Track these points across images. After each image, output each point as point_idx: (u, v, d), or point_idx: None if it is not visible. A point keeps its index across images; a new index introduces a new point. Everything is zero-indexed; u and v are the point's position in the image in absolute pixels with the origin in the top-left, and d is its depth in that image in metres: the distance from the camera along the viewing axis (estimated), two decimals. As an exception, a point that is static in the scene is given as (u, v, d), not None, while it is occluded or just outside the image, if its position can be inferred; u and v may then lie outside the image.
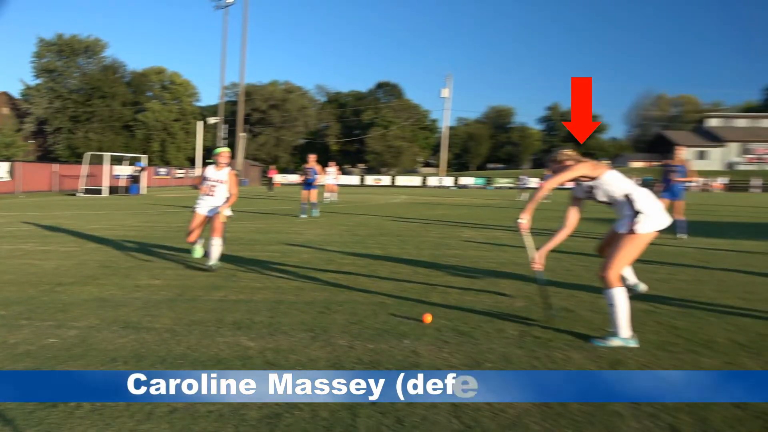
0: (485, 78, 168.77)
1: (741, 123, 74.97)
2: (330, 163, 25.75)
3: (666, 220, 4.05)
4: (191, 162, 68.44)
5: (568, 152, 4.35)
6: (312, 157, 15.84)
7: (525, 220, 4.45)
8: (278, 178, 55.61)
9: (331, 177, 24.57)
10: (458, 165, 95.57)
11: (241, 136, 58.29)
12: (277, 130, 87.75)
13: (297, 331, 4.41)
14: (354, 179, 67.50)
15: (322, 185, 17.11)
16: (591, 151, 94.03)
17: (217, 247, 6.88)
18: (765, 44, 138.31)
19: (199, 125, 54.72)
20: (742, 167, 63.35)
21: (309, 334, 4.32)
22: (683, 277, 6.83)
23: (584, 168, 4.16)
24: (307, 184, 15.58)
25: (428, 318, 4.67)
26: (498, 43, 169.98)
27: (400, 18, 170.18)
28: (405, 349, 3.99)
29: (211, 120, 61.26)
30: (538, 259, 4.52)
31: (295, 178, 58.33)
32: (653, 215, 3.99)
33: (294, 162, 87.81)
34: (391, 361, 3.76)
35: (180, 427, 2.84)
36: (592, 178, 4.16)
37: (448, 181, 62.47)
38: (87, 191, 27.71)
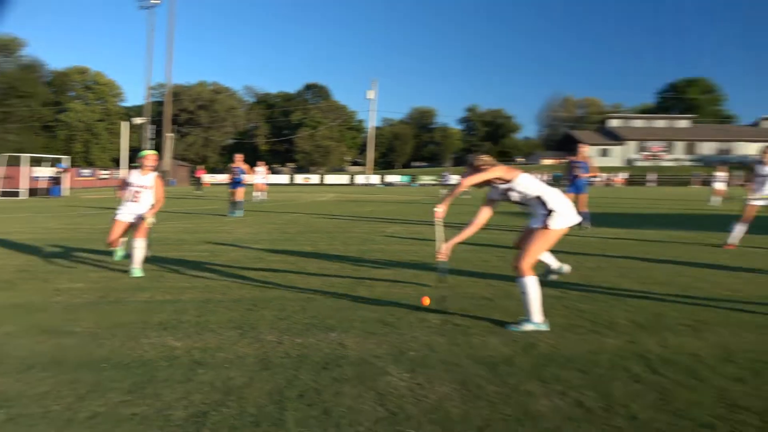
0: (409, 80, 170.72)
1: (638, 123, 79.66)
2: (259, 163, 25.31)
3: (575, 217, 4.24)
4: (116, 163, 65.31)
5: (485, 158, 4.47)
6: (238, 157, 15.56)
7: (441, 210, 4.56)
8: (207, 178, 54.00)
9: (260, 176, 24.16)
10: (384, 163, 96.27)
11: (169, 137, 56.20)
12: (205, 130, 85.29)
13: (225, 329, 4.28)
14: (283, 178, 66.53)
15: (250, 185, 16.70)
16: (506, 149, 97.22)
17: (140, 250, 6.38)
18: (658, 52, 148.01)
19: (124, 126, 52.16)
20: (639, 163, 67.26)
21: (237, 332, 4.20)
22: (588, 264, 7.16)
23: (499, 171, 4.27)
24: (234, 183, 15.26)
25: (426, 301, 4.72)
26: (420, 47, 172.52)
27: (327, 21, 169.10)
28: (332, 342, 3.96)
29: (137, 120, 58.63)
30: (444, 251, 4.60)
31: (224, 178, 56.70)
32: (564, 213, 4.17)
33: (223, 162, 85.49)
34: (319, 354, 3.72)
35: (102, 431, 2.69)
36: (507, 181, 4.28)
37: (375, 179, 62.73)
38: (4, 194, 25.86)
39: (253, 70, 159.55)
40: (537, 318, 4.20)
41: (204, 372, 3.39)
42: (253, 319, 4.54)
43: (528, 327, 4.19)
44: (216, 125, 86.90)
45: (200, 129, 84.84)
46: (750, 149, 72.49)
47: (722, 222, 13.38)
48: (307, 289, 5.69)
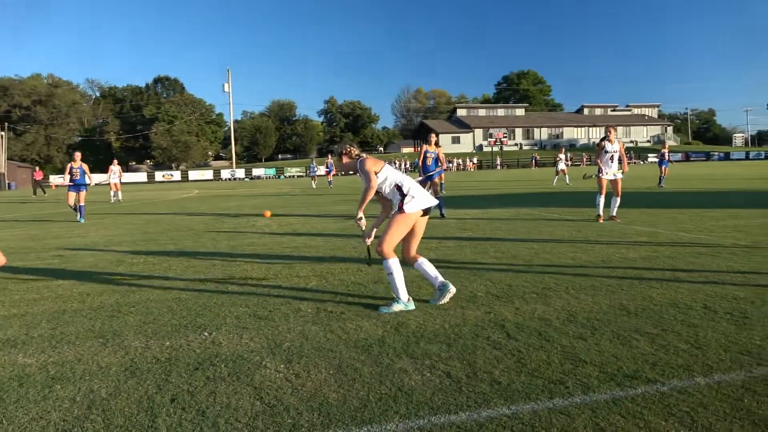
0: (266, 72, 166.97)
1: (482, 112, 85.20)
2: (114, 161, 23.67)
3: (430, 201, 4.38)
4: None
5: (353, 149, 4.49)
6: (77, 155, 13.70)
7: (361, 218, 4.53)
8: (57, 180, 48.86)
9: (114, 175, 22.63)
10: (249, 157, 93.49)
11: (1, 135, 49.86)
12: (46, 127, 76.61)
13: (84, 339, 3.90)
14: (141, 176, 62.17)
15: (87, 185, 15.00)
16: (366, 139, 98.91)
17: None
18: (496, 47, 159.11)
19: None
20: (486, 149, 71.97)
21: (98, 341, 3.85)
22: (449, 244, 7.54)
23: (373, 164, 4.31)
24: (75, 185, 13.39)
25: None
26: (275, 37, 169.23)
27: (176, 12, 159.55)
28: (204, 341, 3.77)
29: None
30: (370, 237, 4.57)
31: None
32: (418, 197, 4.30)
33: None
34: (190, 355, 3.52)
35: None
36: (376, 174, 4.31)
37: (241, 173, 60.83)
38: None
39: (95, 61, 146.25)
40: (404, 297, 4.33)
41: (62, 388, 3.07)
42: (116, 326, 4.18)
43: (397, 307, 4.30)
44: (58, 122, 78.44)
45: (39, 126, 76.03)
46: (576, 133, 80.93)
47: (564, 199, 14.78)
48: (173, 288, 5.36)
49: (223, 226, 10.94)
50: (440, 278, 4.44)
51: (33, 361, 3.49)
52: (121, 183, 23.77)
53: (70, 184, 13.43)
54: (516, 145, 76.83)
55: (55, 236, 10.19)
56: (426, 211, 4.37)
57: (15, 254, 7.96)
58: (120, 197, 22.49)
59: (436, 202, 4.52)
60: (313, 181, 30.03)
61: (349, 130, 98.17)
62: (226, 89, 63.49)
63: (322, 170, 40.21)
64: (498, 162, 63.05)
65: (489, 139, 66.74)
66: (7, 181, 48.05)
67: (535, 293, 4.73)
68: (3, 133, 50.69)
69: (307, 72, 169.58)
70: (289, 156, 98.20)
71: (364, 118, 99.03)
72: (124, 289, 5.44)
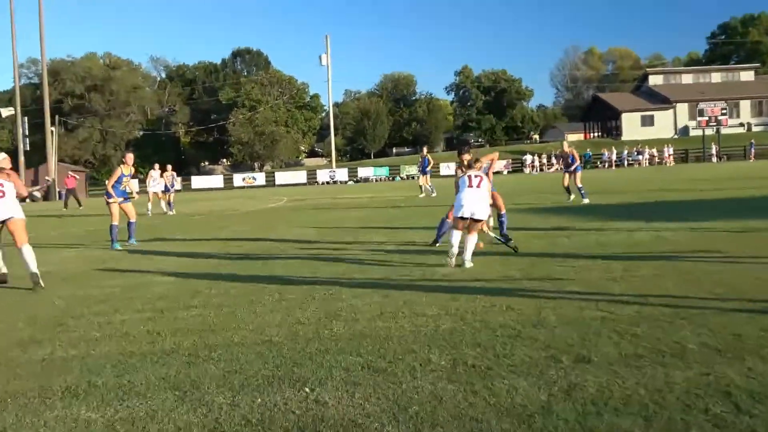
0: (375, 39, 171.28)
1: (687, 79, 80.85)
2: (155, 166, 26.33)
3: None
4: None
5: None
6: (129, 158, 13.90)
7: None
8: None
9: (156, 183, 25.26)
10: (354, 152, 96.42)
11: (51, 131, 55.54)
12: (102, 120, 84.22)
13: (157, 390, 4.27)
14: (216, 180, 66.27)
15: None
16: (515, 123, 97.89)
17: (30, 254, 8.07)
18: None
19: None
20: (695, 132, 68.33)
21: (174, 394, 4.19)
22: (642, 271, 7.30)
23: None
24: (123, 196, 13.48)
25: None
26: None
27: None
28: (305, 400, 3.97)
29: (5, 112, 57.74)
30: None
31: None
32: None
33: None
34: (289, 417, 3.73)
35: None
36: None
37: (343, 173, 62.89)
38: None
39: (159, 35, 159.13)
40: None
41: (134, 452, 3.38)
42: (194, 375, 4.52)
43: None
44: (116, 112, 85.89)
45: (95, 119, 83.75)
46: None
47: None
48: (264, 328, 5.68)
49: (323, 246, 11.38)
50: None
51: (97, 416, 3.88)
52: (175, 191, 25.99)
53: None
54: (742, 125, 72.07)
55: (115, 258, 11.19)
56: None
57: (69, 281, 8.87)
58: (164, 208, 24.66)
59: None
60: (426, 184, 27.18)
61: (490, 111, 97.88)
62: (324, 62, 65.99)
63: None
64: (714, 151, 59.61)
65: (699, 118, 63.37)
66: (58, 189, 53.35)
67: (777, 347, 4.45)
68: (54, 128, 56.46)
69: (428, 34, 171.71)
70: (406, 149, 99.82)
71: (511, 94, 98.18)
72: (201, 327, 5.85)
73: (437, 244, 10.33)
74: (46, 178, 42.42)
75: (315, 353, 4.90)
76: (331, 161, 69.90)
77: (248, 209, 25.03)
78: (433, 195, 25.75)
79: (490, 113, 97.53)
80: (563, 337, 4.94)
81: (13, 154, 50.20)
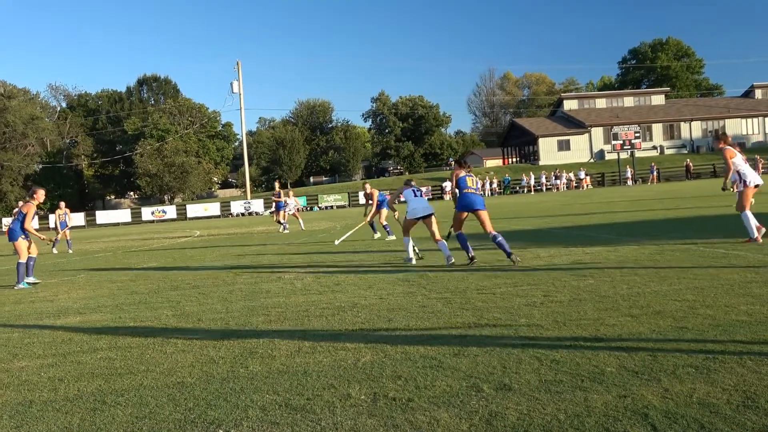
0: (289, 64, 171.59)
1: (601, 103, 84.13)
2: (60, 204, 25.95)
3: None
4: None
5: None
6: (40, 194, 13.50)
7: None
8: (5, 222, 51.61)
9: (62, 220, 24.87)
10: (269, 181, 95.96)
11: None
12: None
13: (59, 441, 4.12)
14: (123, 214, 64.84)
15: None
16: (434, 150, 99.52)
17: None
18: (619, 6, 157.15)
19: None
20: (610, 155, 70.89)
21: (78, 444, 4.05)
22: (560, 297, 7.51)
23: None
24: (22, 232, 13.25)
25: None
26: (297, 17, 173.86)
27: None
28: (220, 443, 3.91)
29: None
30: None
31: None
32: None
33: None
34: (203, 462, 3.66)
35: None
36: None
37: (258, 204, 62.40)
38: None
39: (57, 63, 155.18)
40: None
41: None
42: (100, 423, 4.39)
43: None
44: (12, 145, 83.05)
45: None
46: (745, 127, 78.65)
47: (733, 223, 14.44)
48: (174, 369, 5.57)
49: (238, 281, 11.26)
50: None
51: (-6, 473, 3.72)
52: (69, 229, 25.62)
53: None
54: (654, 148, 75.32)
55: (14, 301, 10.76)
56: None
57: (-37, 327, 8.47)
58: (69, 248, 24.41)
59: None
60: (282, 219, 26.92)
61: (408, 137, 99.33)
62: (236, 89, 65.67)
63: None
64: (629, 174, 62.10)
65: (614, 142, 65.84)
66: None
67: (693, 367, 4.65)
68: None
69: (346, 59, 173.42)
70: (324, 179, 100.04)
71: (429, 121, 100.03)
72: (107, 372, 5.69)
73: (474, 261, 11.02)
74: None
75: (230, 393, 4.83)
76: (245, 192, 69.30)
77: (157, 245, 24.50)
78: (285, 231, 25.57)
79: (408, 140, 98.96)
80: (485, 365, 5.04)
81: None
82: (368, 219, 18.20)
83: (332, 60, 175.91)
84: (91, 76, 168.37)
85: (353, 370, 5.18)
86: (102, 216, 62.83)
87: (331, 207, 61.43)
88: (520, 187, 63.55)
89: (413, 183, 12.86)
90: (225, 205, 62.96)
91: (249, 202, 62.74)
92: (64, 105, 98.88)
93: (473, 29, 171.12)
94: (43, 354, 6.58)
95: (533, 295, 7.79)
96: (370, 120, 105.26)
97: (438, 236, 11.65)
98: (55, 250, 24.21)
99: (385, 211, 18.85)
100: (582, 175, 62.99)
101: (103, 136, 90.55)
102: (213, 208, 62.59)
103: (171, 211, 62.55)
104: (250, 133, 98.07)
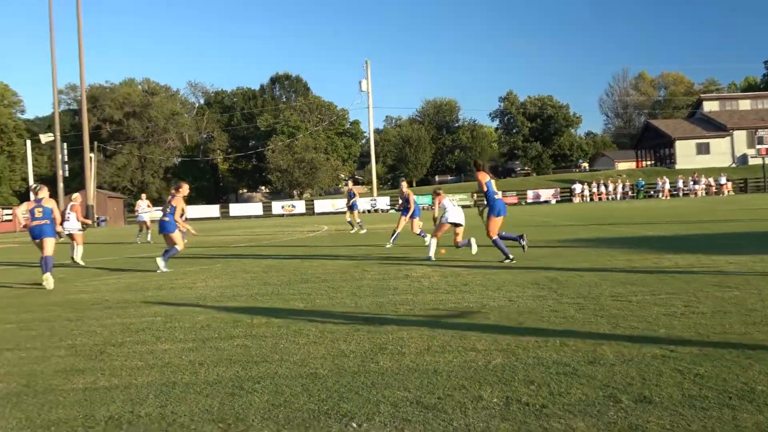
0: (415, 65, 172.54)
1: (745, 105, 79.63)
2: (142, 196, 28.69)
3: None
4: (23, 197, 65.82)
5: None
6: (185, 187, 14.67)
7: None
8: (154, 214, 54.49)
9: (147, 213, 26.87)
10: (395, 179, 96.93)
11: (90, 158, 56.86)
12: (140, 146, 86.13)
13: (202, 422, 4.31)
14: (255, 208, 67.18)
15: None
16: (563, 151, 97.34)
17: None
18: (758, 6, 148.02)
19: (28, 146, 52.79)
20: (755, 161, 67.05)
21: (218, 426, 4.22)
22: (702, 308, 7.18)
23: None
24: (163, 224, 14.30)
25: None
26: (424, 23, 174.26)
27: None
28: (353, 436, 3.97)
29: (45, 138, 59.16)
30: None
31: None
32: None
33: (168, 190, 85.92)
34: (337, 453, 3.73)
35: None
36: None
37: (384, 201, 63.03)
38: None
39: (197, 62, 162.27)
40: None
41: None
42: (238, 408, 4.56)
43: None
44: (154, 139, 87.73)
45: (133, 145, 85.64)
46: None
47: None
48: (308, 360, 5.71)
49: (366, 277, 11.41)
50: None
51: (142, 448, 3.93)
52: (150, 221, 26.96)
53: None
54: (803, 154, 70.70)
55: (156, 286, 11.38)
56: None
57: (111, 310, 9.03)
58: (149, 238, 26.04)
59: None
60: (355, 219, 26.65)
61: (536, 138, 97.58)
62: (364, 88, 66.72)
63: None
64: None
65: (758, 146, 62.26)
66: (96, 215, 54.45)
67: None
68: (92, 155, 57.80)
69: (474, 59, 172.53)
70: (449, 178, 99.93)
71: (558, 121, 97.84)
72: (244, 358, 5.91)
73: (512, 260, 12.29)
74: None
75: (361, 387, 4.90)
76: (372, 188, 70.24)
77: (287, 238, 25.23)
78: (363, 232, 25.39)
79: (536, 140, 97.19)
80: (622, 375, 4.87)
81: (52, 181, 51.33)
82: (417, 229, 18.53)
83: (460, 59, 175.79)
84: (227, 74, 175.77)
85: (484, 372, 5.14)
86: (235, 209, 65.33)
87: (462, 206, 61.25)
88: (654, 192, 61.15)
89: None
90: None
91: (375, 199, 63.53)
92: (202, 102, 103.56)
93: (605, 27, 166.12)
94: (184, 338, 6.92)
95: (673, 305, 7.48)
96: (498, 119, 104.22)
97: (459, 239, 13.98)
98: (138, 240, 25.82)
99: (418, 220, 19.03)
100: (723, 180, 59.97)
101: (237, 131, 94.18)
102: (340, 204, 63.73)
103: (300, 206, 64.24)
104: (377, 131, 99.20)
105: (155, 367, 5.76)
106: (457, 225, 13.84)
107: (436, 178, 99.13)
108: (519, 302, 8.16)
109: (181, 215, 13.98)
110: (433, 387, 4.83)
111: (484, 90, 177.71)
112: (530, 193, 64.24)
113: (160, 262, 13.66)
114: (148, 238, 26.06)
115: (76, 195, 18.59)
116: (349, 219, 27.07)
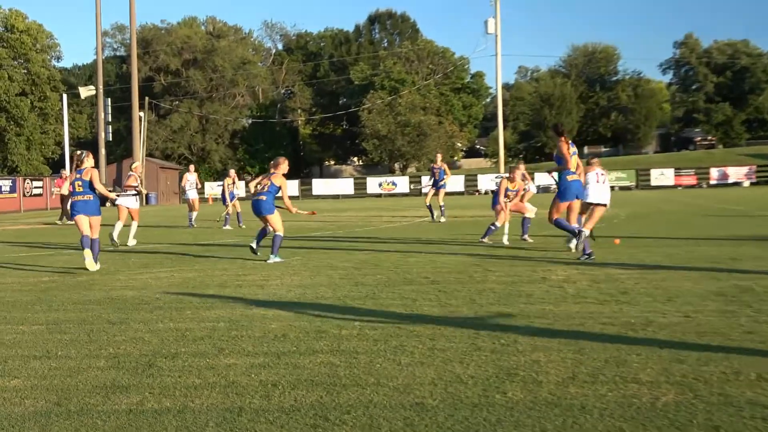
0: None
1: None
2: (190, 167, 30.69)
3: None
4: (56, 166, 67.88)
5: None
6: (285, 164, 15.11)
7: None
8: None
9: (192, 187, 28.82)
10: (529, 150, 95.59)
11: (140, 117, 58.51)
12: (202, 104, 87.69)
13: (273, 462, 4.35)
14: (345, 184, 67.54)
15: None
16: (759, 115, 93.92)
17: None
18: None
19: (65, 101, 54.54)
20: None
21: (296, 468, 4.26)
22: None
23: None
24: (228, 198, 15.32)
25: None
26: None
27: None
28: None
29: (84, 92, 60.55)
30: None
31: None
32: None
33: (237, 160, 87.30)
34: None
35: None
36: None
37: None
38: None
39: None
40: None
41: None
42: (321, 444, 4.57)
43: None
44: (219, 94, 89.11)
45: (193, 102, 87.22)
46: None
47: None
48: (412, 386, 5.68)
49: (489, 278, 11.32)
50: None
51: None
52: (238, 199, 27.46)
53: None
54: None
55: (219, 283, 11.62)
56: None
57: (162, 311, 9.26)
58: (193, 221, 27.28)
59: None
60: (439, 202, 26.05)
61: (724, 97, 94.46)
62: (491, 29, 66.03)
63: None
64: None
65: None
66: (145, 191, 56.12)
67: None
68: (142, 114, 59.45)
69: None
70: (603, 150, 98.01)
71: (756, 75, 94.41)
72: (329, 380, 5.93)
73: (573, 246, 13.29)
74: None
75: (483, 425, 4.83)
76: (497, 163, 69.63)
77: (386, 225, 25.34)
78: (443, 220, 25.44)
79: (724, 101, 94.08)
80: None
81: (92, 145, 52.84)
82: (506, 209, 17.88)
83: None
84: (313, 11, 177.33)
85: (650, 412, 4.99)
86: (319, 185, 65.91)
87: (613, 188, 60.09)
88: None
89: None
90: (470, 179, 63.70)
91: (500, 176, 63.03)
92: (280, 47, 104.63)
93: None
94: (254, 351, 6.99)
95: None
96: (671, 72, 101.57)
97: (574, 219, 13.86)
98: (227, 227, 25.98)
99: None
100: None
101: (324, 86, 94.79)
102: (456, 183, 63.31)
103: (402, 184, 64.37)
104: (506, 87, 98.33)
105: (217, 387, 5.83)
106: (597, 205, 14.60)
107: (585, 149, 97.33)
108: (698, 319, 7.93)
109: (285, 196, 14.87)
110: (580, 429, 4.72)
111: (653, 32, 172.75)
112: (714, 172, 62.47)
113: (274, 259, 14.41)
114: (192, 221, 27.26)
115: (136, 164, 19.95)
116: (428, 203, 26.44)
